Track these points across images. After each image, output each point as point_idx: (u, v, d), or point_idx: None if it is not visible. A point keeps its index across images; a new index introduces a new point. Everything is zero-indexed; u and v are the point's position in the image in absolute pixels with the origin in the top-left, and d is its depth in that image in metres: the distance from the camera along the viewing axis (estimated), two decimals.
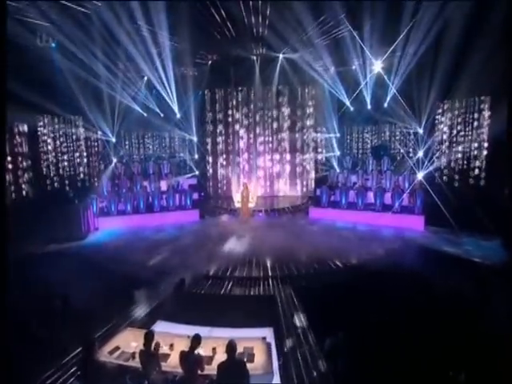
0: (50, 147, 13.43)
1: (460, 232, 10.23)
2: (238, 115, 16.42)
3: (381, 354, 4.94)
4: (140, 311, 6.74)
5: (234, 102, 16.33)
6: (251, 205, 13.84)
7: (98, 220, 12.29)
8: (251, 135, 16.52)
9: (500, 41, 9.03)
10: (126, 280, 7.92)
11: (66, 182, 13.87)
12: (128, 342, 5.00)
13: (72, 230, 11.09)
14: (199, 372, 4.20)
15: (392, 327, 5.57)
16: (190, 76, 15.30)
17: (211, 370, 4.25)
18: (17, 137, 11.91)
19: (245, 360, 4.33)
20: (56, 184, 13.54)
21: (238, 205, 14.01)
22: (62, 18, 9.46)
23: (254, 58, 15.18)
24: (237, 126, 16.51)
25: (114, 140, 15.14)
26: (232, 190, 16.21)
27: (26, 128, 12.24)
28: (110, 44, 11.09)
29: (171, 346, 4.84)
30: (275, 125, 16.51)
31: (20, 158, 11.97)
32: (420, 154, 13.64)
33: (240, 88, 16.11)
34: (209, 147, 16.82)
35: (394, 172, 13.69)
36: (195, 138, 16.39)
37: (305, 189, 16.79)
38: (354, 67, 14.37)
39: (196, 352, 4.22)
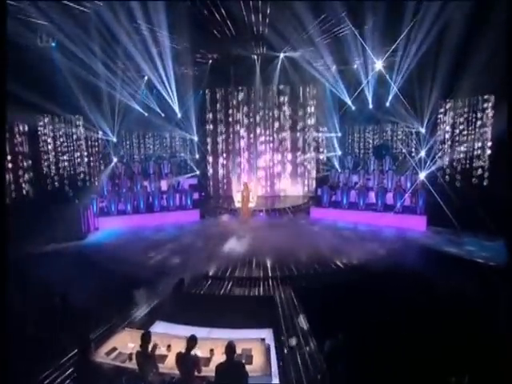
0: (50, 147, 13.39)
1: (462, 232, 10.17)
2: (238, 115, 16.39)
3: (382, 356, 4.87)
4: (139, 311, 6.70)
5: (235, 102, 16.30)
6: (252, 205, 13.78)
7: (98, 220, 12.28)
8: (252, 135, 16.48)
9: (503, 38, 8.91)
10: (126, 280, 7.87)
11: (66, 181, 13.82)
12: (125, 343, 4.96)
13: (72, 230, 11.08)
14: (196, 373, 4.16)
15: (394, 328, 5.50)
16: (190, 75, 15.28)
17: (209, 371, 4.20)
18: (17, 136, 11.89)
19: (243, 362, 4.27)
20: (56, 184, 13.50)
21: (238, 205, 13.96)
22: (62, 18, 9.43)
23: (255, 57, 15.10)
24: (237, 126, 16.47)
25: (114, 140, 15.12)
26: (232, 190, 16.18)
27: (26, 128, 12.21)
28: (110, 43, 11.04)
29: (169, 346, 4.80)
30: (276, 124, 16.45)
31: (20, 158, 11.95)
32: (422, 153, 13.53)
33: (240, 87, 16.07)
34: (209, 147, 16.81)
35: (396, 172, 13.62)
36: (196, 138, 16.38)
37: (306, 189, 16.74)
38: (355, 66, 14.26)
39: (193, 353, 4.17)
